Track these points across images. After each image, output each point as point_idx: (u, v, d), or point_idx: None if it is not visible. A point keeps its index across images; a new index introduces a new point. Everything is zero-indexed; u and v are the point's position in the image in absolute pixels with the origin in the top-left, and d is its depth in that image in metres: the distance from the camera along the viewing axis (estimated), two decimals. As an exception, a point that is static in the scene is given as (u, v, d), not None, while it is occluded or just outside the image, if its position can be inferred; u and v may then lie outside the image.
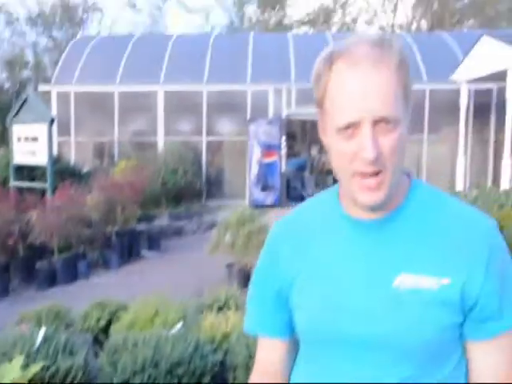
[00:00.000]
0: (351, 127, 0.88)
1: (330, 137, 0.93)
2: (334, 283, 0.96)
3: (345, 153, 0.90)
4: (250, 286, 1.12)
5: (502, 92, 9.66)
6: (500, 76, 8.96)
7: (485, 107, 11.78)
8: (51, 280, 6.22)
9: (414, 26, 29.21)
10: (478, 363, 0.95)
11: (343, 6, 31.18)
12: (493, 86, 11.49)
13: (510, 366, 0.95)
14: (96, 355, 3.30)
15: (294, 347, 1.08)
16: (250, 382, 1.12)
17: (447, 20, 27.97)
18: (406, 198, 0.97)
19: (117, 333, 3.41)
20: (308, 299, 0.99)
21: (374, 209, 0.94)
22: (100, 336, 3.78)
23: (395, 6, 29.79)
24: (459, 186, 10.82)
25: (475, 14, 28.18)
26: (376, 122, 0.88)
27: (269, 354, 1.09)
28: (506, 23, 26.71)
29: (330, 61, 0.91)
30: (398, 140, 0.89)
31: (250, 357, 2.92)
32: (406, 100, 0.92)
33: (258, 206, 10.98)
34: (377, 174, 0.89)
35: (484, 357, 0.94)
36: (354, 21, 31.60)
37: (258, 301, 1.09)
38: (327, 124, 0.94)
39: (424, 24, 29.26)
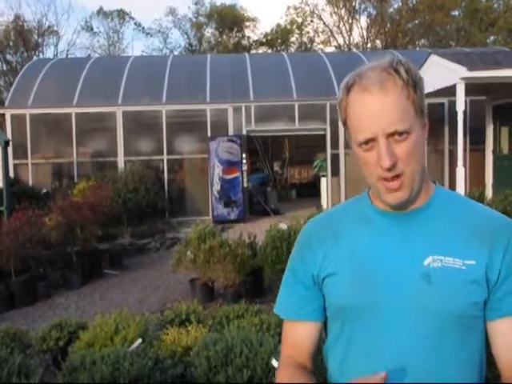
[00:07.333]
0: (370, 142, 1.04)
1: (354, 148, 1.09)
2: (369, 263, 1.09)
3: (368, 161, 1.06)
4: (285, 278, 1.24)
5: (452, 105, 10.05)
6: (450, 91, 9.34)
7: (438, 119, 12.22)
8: (10, 303, 6.04)
9: (369, 46, 30.11)
10: (502, 339, 1.05)
11: (300, 27, 31.89)
12: (444, 100, 11.95)
13: None
14: (55, 376, 3.22)
15: (322, 329, 1.21)
16: (281, 359, 1.23)
17: (400, 40, 28.98)
18: (431, 199, 1.12)
19: (75, 352, 3.34)
20: (346, 277, 1.11)
21: (398, 207, 1.08)
22: (59, 356, 3.69)
23: (350, 26, 30.70)
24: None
25: (426, 34, 29.32)
26: (389, 135, 1.02)
27: (301, 336, 1.20)
28: (454, 42, 27.88)
29: (347, 88, 1.07)
30: (411, 146, 1.03)
31: (211, 369, 2.92)
32: (417, 111, 1.05)
33: (222, 221, 11.00)
34: (397, 176, 1.03)
35: (508, 331, 1.05)
36: (311, 41, 32.34)
37: (295, 288, 1.20)
38: (351, 138, 1.10)
39: (378, 43, 30.21)
